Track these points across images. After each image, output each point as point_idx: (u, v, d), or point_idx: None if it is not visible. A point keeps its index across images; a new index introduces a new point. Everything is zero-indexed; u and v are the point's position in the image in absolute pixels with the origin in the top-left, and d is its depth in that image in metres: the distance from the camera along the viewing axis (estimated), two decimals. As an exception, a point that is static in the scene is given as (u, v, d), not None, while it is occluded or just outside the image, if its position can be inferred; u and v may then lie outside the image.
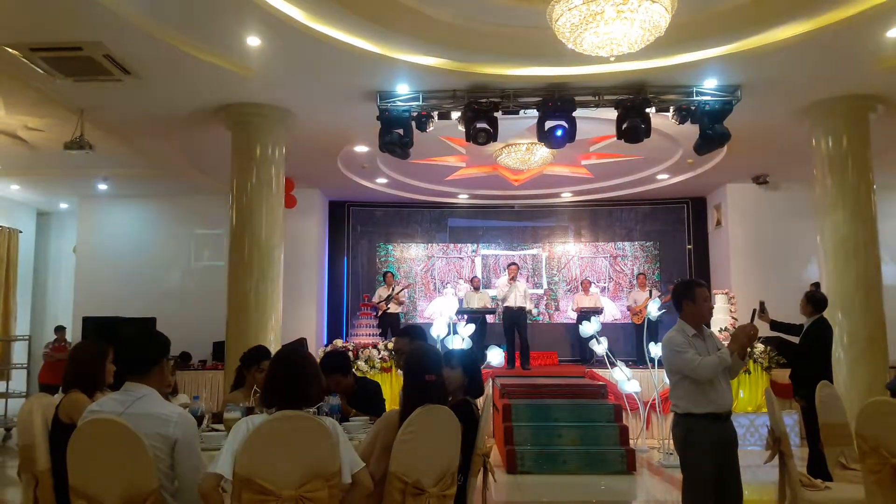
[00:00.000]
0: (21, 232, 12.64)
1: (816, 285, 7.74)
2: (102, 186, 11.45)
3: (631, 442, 7.95)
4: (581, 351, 11.27)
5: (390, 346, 9.19)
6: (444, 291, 12.21)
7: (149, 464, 2.69)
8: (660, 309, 8.83)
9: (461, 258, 13.13)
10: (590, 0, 4.85)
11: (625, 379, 8.75)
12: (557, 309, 12.91)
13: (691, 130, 7.50)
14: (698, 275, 12.22)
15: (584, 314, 10.89)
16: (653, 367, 8.43)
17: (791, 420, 8.28)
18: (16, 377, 11.70)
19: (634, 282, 12.09)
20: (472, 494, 3.64)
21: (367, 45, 6.26)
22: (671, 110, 7.23)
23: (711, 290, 5.34)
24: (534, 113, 7.31)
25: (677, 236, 12.90)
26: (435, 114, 7.32)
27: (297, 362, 2.89)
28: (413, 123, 7.23)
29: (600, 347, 9.02)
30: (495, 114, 7.12)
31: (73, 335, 11.37)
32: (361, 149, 9.37)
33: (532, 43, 6.24)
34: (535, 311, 12.50)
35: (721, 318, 9.82)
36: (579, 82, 7.02)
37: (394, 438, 3.05)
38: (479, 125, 7.07)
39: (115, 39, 5.85)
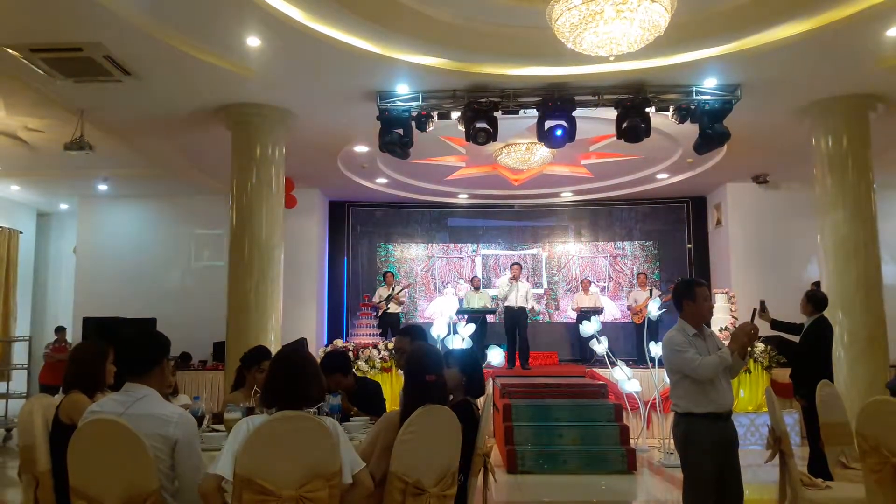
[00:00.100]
0: (21, 232, 12.65)
1: (817, 284, 7.73)
2: (102, 187, 11.45)
3: (631, 441, 7.95)
4: (581, 350, 11.29)
5: (390, 346, 9.19)
6: (444, 291, 12.23)
7: (149, 464, 2.69)
8: (660, 308, 8.83)
9: (461, 258, 13.13)
10: (589, 0, 4.86)
11: (625, 378, 8.75)
12: (557, 308, 12.90)
13: (691, 130, 7.50)
14: (698, 274, 12.22)
15: (585, 314, 10.89)
16: (653, 366, 8.42)
17: (791, 419, 8.29)
18: (16, 378, 11.70)
19: (634, 281, 12.08)
20: (473, 494, 3.63)
21: (366, 45, 6.26)
22: (671, 110, 7.23)
23: (711, 290, 5.33)
24: (533, 112, 7.30)
25: (677, 236, 12.89)
26: (435, 114, 7.32)
27: (297, 362, 2.90)
28: (413, 123, 7.22)
29: (600, 347, 9.02)
30: (495, 113, 7.12)
31: (73, 336, 11.37)
32: (361, 149, 9.37)
33: (532, 43, 6.24)
34: (538, 310, 12.50)
35: (721, 318, 9.81)
36: (579, 82, 7.02)
37: (394, 438, 3.04)
38: (478, 125, 7.07)
39: (115, 40, 5.85)
